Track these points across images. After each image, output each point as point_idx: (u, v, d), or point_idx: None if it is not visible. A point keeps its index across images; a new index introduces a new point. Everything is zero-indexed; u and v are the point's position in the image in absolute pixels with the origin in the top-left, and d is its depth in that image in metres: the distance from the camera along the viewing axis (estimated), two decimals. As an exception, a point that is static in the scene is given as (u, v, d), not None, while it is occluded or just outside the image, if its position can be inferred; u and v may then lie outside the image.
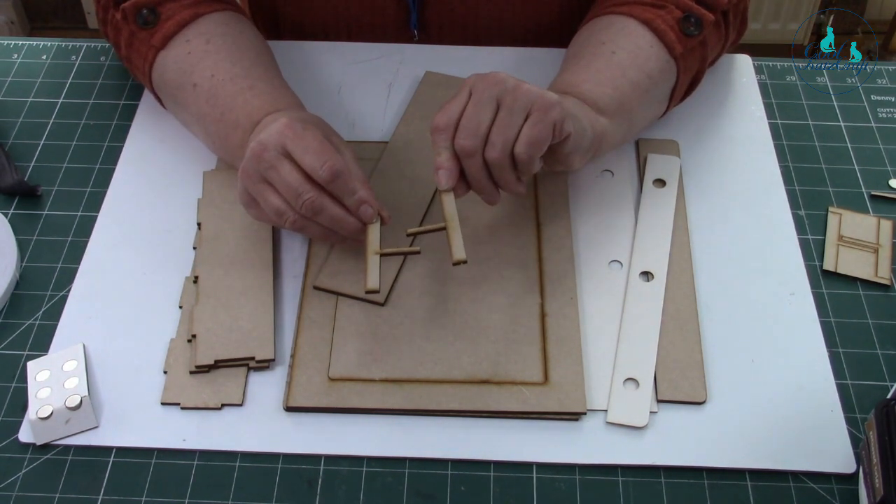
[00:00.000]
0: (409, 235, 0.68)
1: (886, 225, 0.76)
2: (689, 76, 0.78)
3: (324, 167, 0.63)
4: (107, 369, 0.66)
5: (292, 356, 0.66)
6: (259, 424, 0.63)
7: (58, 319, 0.69)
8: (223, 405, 0.64)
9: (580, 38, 0.80)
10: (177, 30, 0.76)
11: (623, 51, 0.75)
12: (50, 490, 0.60)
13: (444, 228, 0.66)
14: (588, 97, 0.72)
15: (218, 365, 0.65)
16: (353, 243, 0.69)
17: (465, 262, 0.64)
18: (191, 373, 0.65)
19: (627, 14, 0.77)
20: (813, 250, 0.74)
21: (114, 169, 0.79)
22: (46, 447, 0.62)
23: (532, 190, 0.76)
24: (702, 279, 0.71)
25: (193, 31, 0.76)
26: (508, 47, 0.90)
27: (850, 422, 0.64)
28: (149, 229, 0.75)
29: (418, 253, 0.68)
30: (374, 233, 0.66)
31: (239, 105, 0.72)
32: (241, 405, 0.64)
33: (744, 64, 0.89)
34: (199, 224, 0.74)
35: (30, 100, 0.86)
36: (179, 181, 0.78)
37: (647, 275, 0.71)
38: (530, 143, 0.64)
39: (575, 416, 0.63)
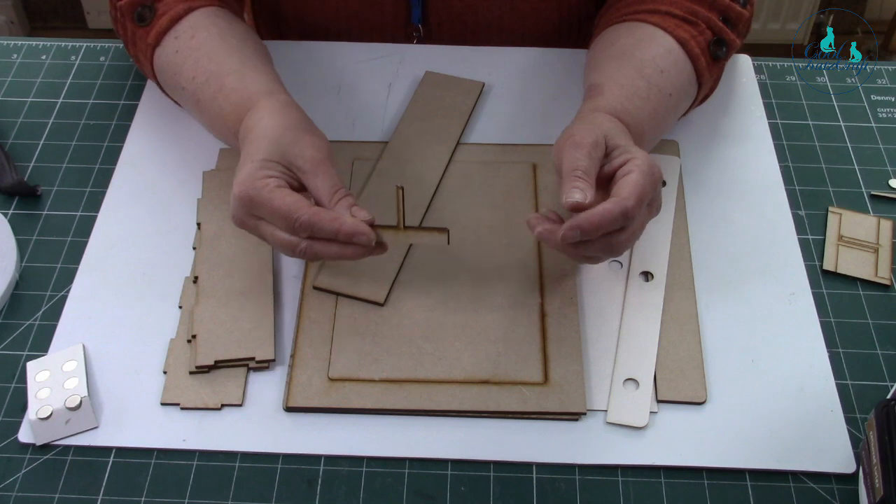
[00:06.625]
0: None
1: (886, 225, 0.76)
2: (702, 96, 0.79)
3: (296, 226, 0.62)
4: (107, 369, 0.66)
5: (292, 356, 0.66)
6: (259, 424, 0.63)
7: (58, 319, 0.69)
8: (223, 405, 0.64)
9: (623, 44, 0.75)
10: (170, 25, 0.75)
11: (677, 92, 0.74)
12: (50, 490, 0.60)
13: (445, 231, 0.64)
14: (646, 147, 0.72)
15: (218, 365, 0.65)
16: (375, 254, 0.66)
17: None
18: (191, 373, 0.65)
19: (665, 29, 0.74)
20: (813, 250, 0.74)
21: (114, 169, 0.79)
22: (46, 447, 0.62)
23: (532, 189, 0.76)
24: (702, 279, 0.71)
25: (183, 27, 0.75)
26: (509, 47, 0.90)
27: (850, 422, 0.64)
28: (149, 229, 0.75)
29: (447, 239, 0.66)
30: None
31: (216, 113, 0.72)
32: (240, 405, 0.64)
33: (744, 64, 0.89)
34: (198, 224, 0.74)
35: (29, 100, 0.86)
36: (179, 181, 0.78)
37: (647, 275, 0.71)
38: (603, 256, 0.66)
39: (575, 416, 0.63)
